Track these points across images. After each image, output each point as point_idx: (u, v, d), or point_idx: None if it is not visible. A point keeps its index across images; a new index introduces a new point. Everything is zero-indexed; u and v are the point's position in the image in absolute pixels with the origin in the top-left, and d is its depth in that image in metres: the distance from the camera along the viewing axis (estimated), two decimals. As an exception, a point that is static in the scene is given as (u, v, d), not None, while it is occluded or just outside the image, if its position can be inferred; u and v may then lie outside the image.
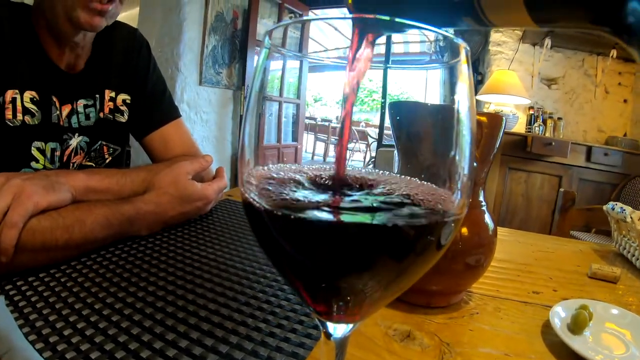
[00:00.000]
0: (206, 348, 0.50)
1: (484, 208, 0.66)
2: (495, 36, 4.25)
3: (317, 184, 0.31)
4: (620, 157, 3.88)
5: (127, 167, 1.05)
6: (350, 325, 0.30)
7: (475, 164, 0.63)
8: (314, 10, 5.59)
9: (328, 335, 0.30)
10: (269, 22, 4.64)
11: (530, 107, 4.18)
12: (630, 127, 4.33)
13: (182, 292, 0.63)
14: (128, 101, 1.16)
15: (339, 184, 0.32)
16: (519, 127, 4.16)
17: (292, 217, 0.25)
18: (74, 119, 1.05)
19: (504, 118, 0.66)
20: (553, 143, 3.68)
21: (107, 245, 0.77)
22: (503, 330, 0.63)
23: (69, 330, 0.50)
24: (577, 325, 0.61)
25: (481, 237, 0.65)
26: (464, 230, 0.64)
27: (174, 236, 0.86)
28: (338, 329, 0.30)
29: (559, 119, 4.13)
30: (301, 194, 0.29)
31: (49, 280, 0.63)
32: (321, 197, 0.29)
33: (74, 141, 1.07)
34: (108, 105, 1.13)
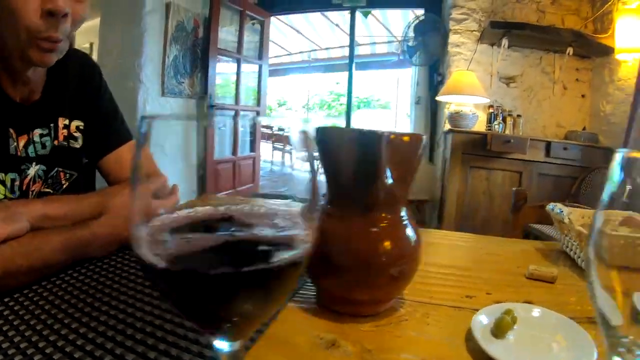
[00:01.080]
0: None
1: (406, 222, 0.69)
2: (453, 37, 4.32)
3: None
4: (579, 151, 3.98)
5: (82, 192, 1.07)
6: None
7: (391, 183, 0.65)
8: (276, 17, 5.62)
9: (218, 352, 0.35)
10: (230, 30, 4.64)
11: (490, 106, 4.26)
12: (590, 121, 4.45)
13: (141, 314, 0.65)
14: (81, 127, 1.17)
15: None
16: (480, 125, 4.23)
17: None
18: (30, 149, 1.06)
19: (423, 137, 0.69)
20: (512, 140, 3.76)
21: (67, 268, 0.80)
22: (429, 336, 0.65)
23: (39, 356, 0.52)
24: (499, 329, 0.63)
25: (402, 250, 0.67)
26: (387, 244, 0.66)
27: (128, 255, 0.89)
28: (224, 345, 0.35)
29: (518, 116, 4.22)
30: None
31: (13, 304, 0.66)
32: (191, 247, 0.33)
33: (32, 170, 1.07)
34: (62, 132, 1.13)
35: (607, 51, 3.99)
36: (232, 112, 4.84)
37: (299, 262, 0.34)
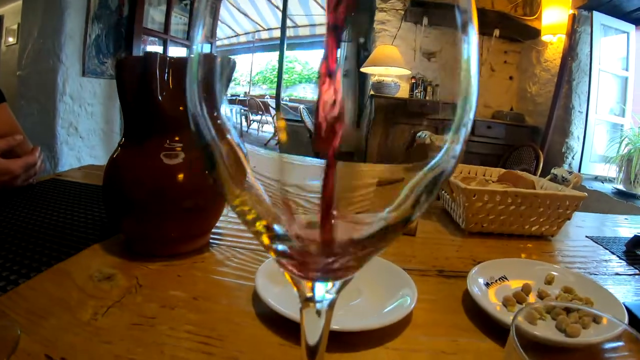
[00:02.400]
0: None
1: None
2: (380, 15, 4.30)
3: None
4: (504, 130, 4.08)
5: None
6: None
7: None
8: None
9: None
10: (157, 9, 4.50)
11: (413, 77, 4.29)
12: (517, 102, 4.56)
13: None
14: None
15: None
16: (403, 94, 4.27)
17: None
18: None
19: (233, 59, 0.66)
20: (427, 104, 3.81)
21: None
22: (214, 277, 0.63)
23: None
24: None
25: (194, 183, 0.64)
26: (180, 176, 0.63)
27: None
28: None
29: (437, 85, 4.26)
30: None
31: None
32: None
33: None
34: None
35: (535, 34, 4.08)
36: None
37: None
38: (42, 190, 1.04)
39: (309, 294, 0.28)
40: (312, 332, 0.30)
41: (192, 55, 0.26)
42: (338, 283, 0.28)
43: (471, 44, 0.25)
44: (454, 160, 0.26)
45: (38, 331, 0.47)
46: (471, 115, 0.26)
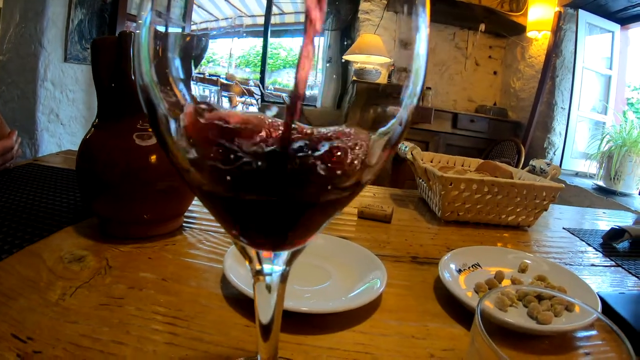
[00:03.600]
0: None
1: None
2: (364, 5, 4.30)
3: None
4: (487, 124, 4.10)
5: None
6: None
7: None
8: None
9: None
10: (141, -5, 4.44)
11: (392, 65, 4.30)
12: (500, 97, 4.59)
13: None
14: None
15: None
16: (382, 81, 4.29)
17: None
18: None
19: (204, 39, 0.66)
20: (396, 86, 3.81)
21: None
22: (185, 260, 0.63)
23: None
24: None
25: (168, 164, 0.63)
26: (153, 157, 0.62)
27: None
28: None
29: (428, 88, 4.27)
30: None
31: None
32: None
33: None
34: None
35: (520, 30, 4.11)
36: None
37: None
38: (18, 175, 1.02)
39: (258, 267, 0.28)
40: (265, 309, 0.30)
41: (140, 21, 0.25)
42: (285, 254, 0.28)
43: (420, 27, 0.27)
44: (400, 127, 0.27)
45: (6, 311, 0.46)
46: (418, 88, 0.28)
